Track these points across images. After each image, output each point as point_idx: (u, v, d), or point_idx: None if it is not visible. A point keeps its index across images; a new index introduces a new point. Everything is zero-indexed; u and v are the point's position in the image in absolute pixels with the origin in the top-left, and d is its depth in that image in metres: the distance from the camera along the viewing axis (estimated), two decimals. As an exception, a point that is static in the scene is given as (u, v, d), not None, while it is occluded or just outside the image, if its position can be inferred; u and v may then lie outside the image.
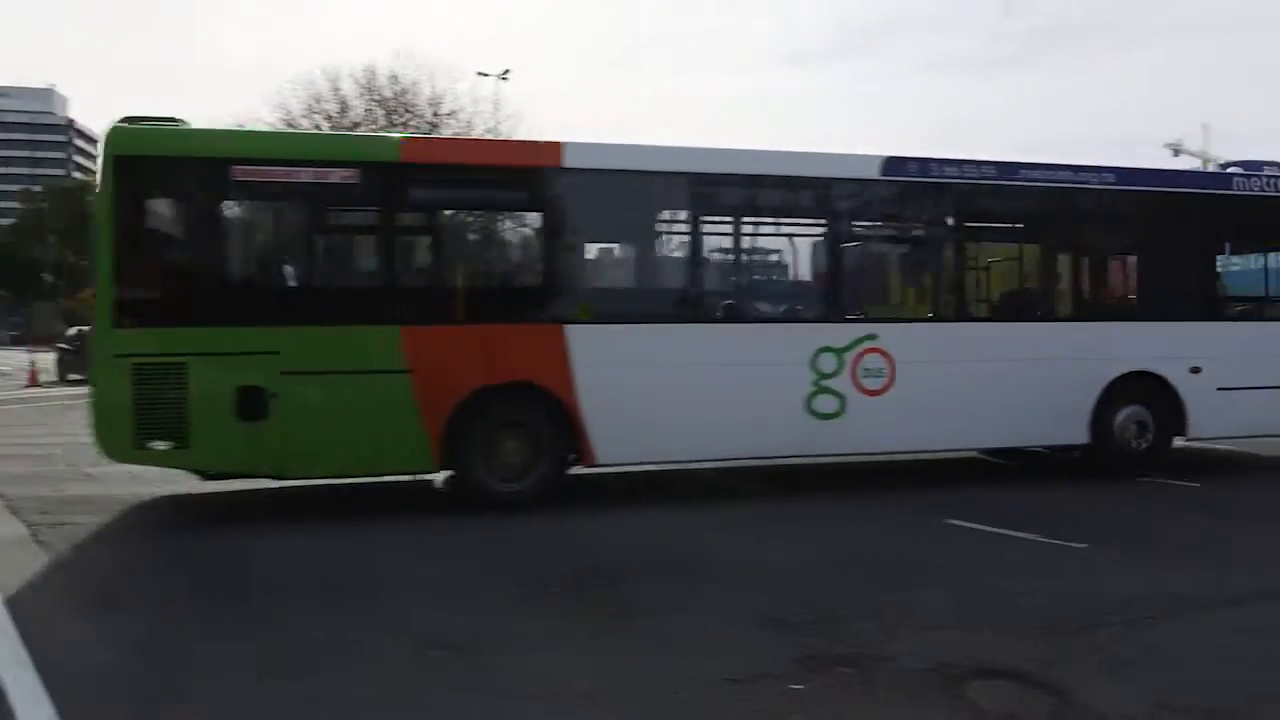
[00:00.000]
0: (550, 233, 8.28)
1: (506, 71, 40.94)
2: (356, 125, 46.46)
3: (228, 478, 8.03)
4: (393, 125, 46.28)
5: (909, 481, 9.29)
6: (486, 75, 41.56)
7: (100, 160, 7.64)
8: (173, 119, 7.79)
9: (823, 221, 9.03)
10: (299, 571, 5.83)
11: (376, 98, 46.15)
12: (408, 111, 46.15)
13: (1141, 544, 6.56)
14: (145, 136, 7.54)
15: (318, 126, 45.72)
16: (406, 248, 8.35)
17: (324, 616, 4.87)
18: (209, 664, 4.18)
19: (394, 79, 46.00)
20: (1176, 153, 70.50)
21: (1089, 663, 4.18)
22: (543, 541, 6.66)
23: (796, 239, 9.25)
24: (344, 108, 46.08)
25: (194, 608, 5.09)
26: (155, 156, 7.56)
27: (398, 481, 8.51)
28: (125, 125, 7.55)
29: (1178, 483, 9.09)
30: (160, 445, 7.22)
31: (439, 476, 8.37)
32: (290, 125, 45.19)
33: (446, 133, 46.65)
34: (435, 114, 46.24)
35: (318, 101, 45.40)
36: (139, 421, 7.14)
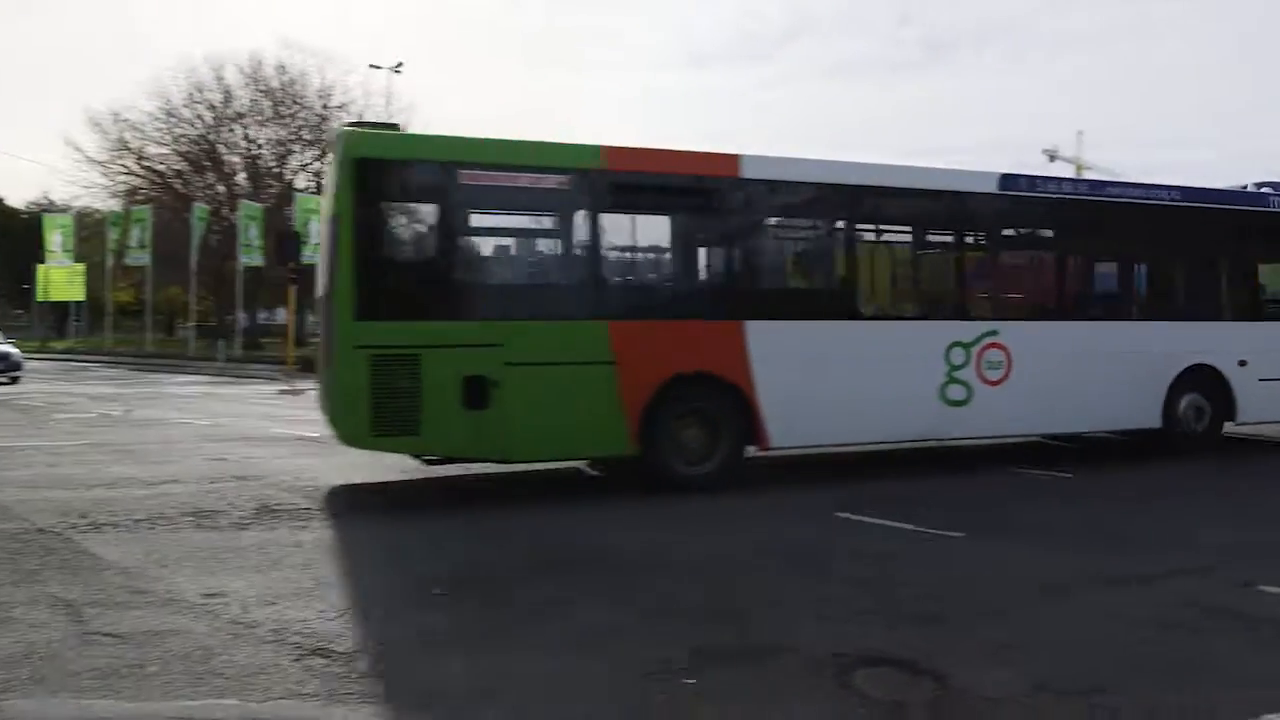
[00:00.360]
0: (729, 236, 9.19)
1: (400, 64, 40.11)
2: (241, 115, 45.04)
3: (447, 463, 8.62)
4: (280, 117, 45.01)
5: (800, 476, 9.48)
6: (379, 67, 40.68)
7: (334, 163, 8.00)
8: (393, 124, 8.32)
9: (953, 229, 10.21)
10: (186, 578, 5.57)
11: (263, 88, 44.83)
12: (296, 103, 44.95)
13: (1015, 532, 6.82)
14: (380, 141, 8.18)
15: (199, 116, 44.18)
16: (609, 248, 8.86)
17: (183, 627, 4.67)
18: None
19: (281, 69, 44.75)
20: (1053, 158, 73.65)
21: (969, 648, 4.32)
22: (437, 539, 6.54)
23: (933, 243, 10.47)
24: (228, 97, 44.62)
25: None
26: (390, 160, 8.11)
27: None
28: (360, 130, 8.21)
29: (1051, 473, 9.53)
30: (393, 431, 7.70)
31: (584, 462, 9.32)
32: (170, 114, 43.55)
33: (338, 125, 45.61)
34: (325, 106, 45.17)
35: (200, 90, 43.85)
36: (375, 408, 7.61)
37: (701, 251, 9.57)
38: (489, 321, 8.06)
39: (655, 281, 9.44)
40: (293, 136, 45.46)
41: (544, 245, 9.24)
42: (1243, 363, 10.87)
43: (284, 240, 31.02)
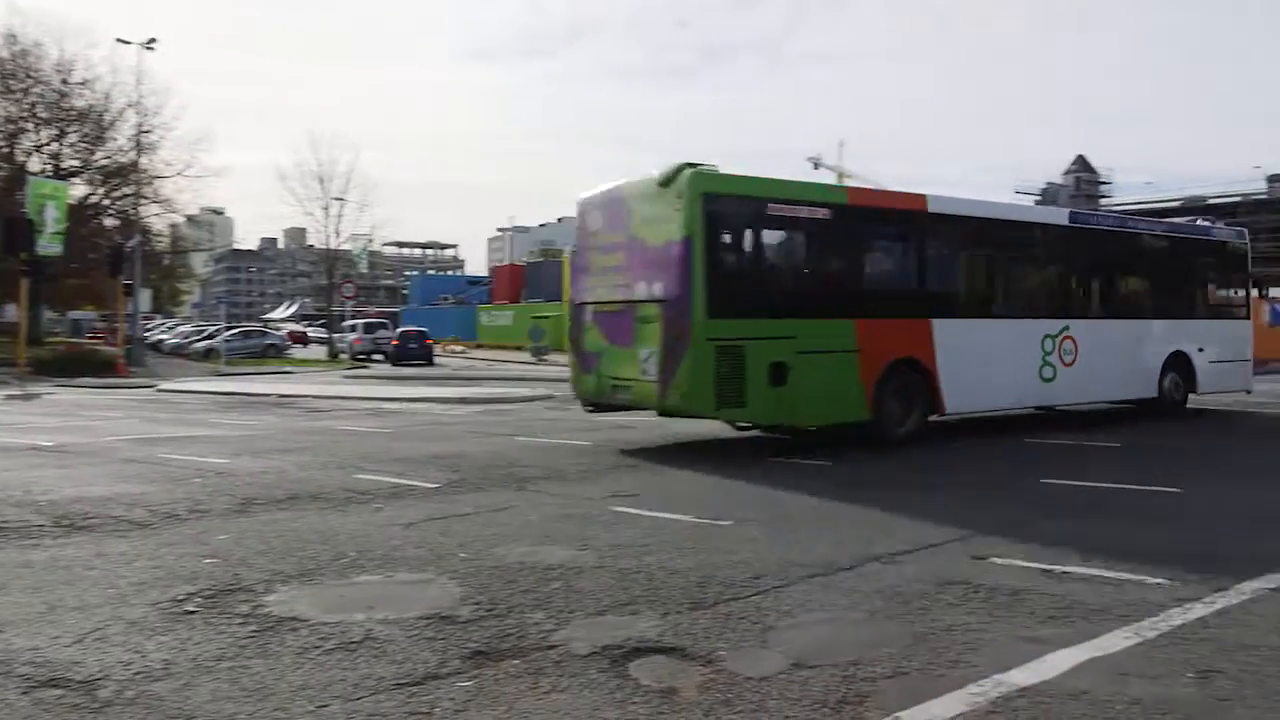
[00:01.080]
0: (921, 253, 12.41)
1: (152, 40, 37.04)
2: (-40, 89, 40.33)
3: (754, 430, 12.03)
4: (9, 91, 40.69)
5: (582, 472, 9.57)
6: (128, 43, 37.41)
7: (684, 197, 10.19)
8: (704, 164, 10.52)
9: (1044, 249, 13.93)
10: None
11: (-13, 59, 40.33)
12: (29, 77, 40.84)
13: (778, 519, 7.17)
14: (717, 179, 10.61)
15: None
16: (852, 262, 11.96)
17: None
18: None
19: (11, 38, 40.51)
20: (817, 165, 78.12)
21: (736, 632, 4.50)
22: (189, 542, 6.08)
23: (1033, 259, 14.03)
24: (-56, 68, 39.84)
25: None
26: (724, 194, 10.54)
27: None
28: (703, 171, 10.44)
29: (811, 461, 10.13)
30: (730, 404, 10.29)
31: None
32: None
33: (79, 103, 41.82)
34: (65, 81, 41.34)
35: (-95, 58, 38.95)
36: (718, 387, 10.10)
37: (907, 264, 12.62)
38: (786, 320, 10.72)
39: (880, 288, 12.34)
40: (25, 114, 41.17)
41: (815, 260, 11.95)
42: (1200, 349, 15.13)
43: (15, 228, 28.02)
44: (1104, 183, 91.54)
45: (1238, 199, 76.49)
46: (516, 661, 4.13)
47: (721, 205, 10.44)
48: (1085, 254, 14.28)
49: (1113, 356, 13.90)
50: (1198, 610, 4.81)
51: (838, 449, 10.96)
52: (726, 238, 10.87)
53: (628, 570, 5.60)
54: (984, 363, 12.20)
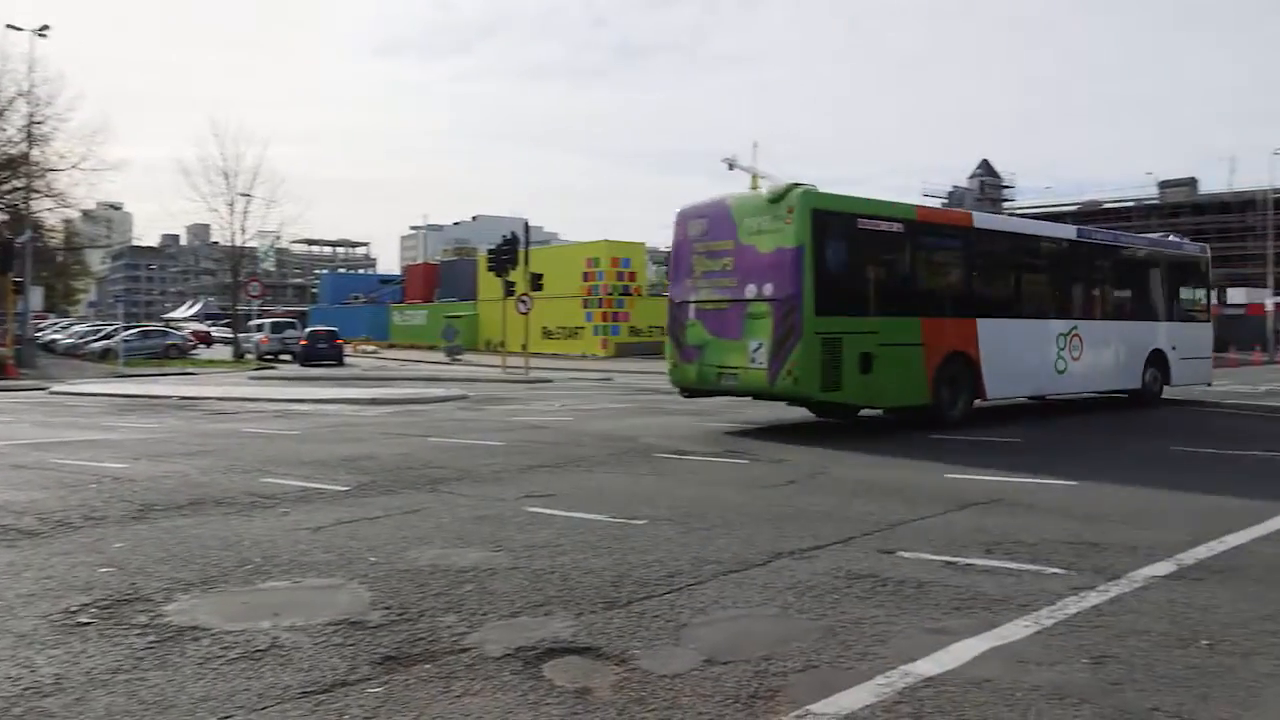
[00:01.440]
0: (969, 263, 14.75)
1: (45, 27, 35.36)
2: None
3: (838, 413, 14.07)
4: (-114, 78, 38.36)
5: (495, 473, 9.48)
6: (19, 29, 35.64)
7: (795, 211, 12.21)
8: (803, 182, 12.51)
9: (1058, 259, 16.48)
10: None
11: None
12: (-92, 63, 38.53)
13: (692, 517, 7.19)
14: (823, 198, 12.60)
15: None
16: (920, 269, 14.24)
17: None
18: None
19: (-113, 22, 38.16)
20: (731, 166, 78.83)
21: (650, 630, 4.51)
22: (83, 551, 5.83)
23: (1051, 268, 16.47)
24: None
25: None
26: (827, 211, 12.51)
27: None
28: (812, 190, 12.46)
29: (727, 460, 10.23)
30: (831, 388, 12.18)
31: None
32: None
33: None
34: (-53, 69, 39.11)
35: None
36: (823, 373, 12.06)
37: (957, 271, 14.74)
38: (871, 317, 12.78)
39: (938, 291, 14.36)
40: (-96, 102, 38.90)
41: (891, 266, 13.89)
42: (1174, 348, 17.84)
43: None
44: (1006, 186, 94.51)
45: (1131, 204, 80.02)
46: (428, 666, 4.06)
47: (825, 219, 12.36)
48: (1088, 263, 16.94)
49: (1108, 353, 16.52)
50: (1092, 599, 5.01)
51: (756, 449, 11.09)
52: (828, 247, 12.49)
53: (542, 571, 5.56)
54: (1016, 357, 14.63)
